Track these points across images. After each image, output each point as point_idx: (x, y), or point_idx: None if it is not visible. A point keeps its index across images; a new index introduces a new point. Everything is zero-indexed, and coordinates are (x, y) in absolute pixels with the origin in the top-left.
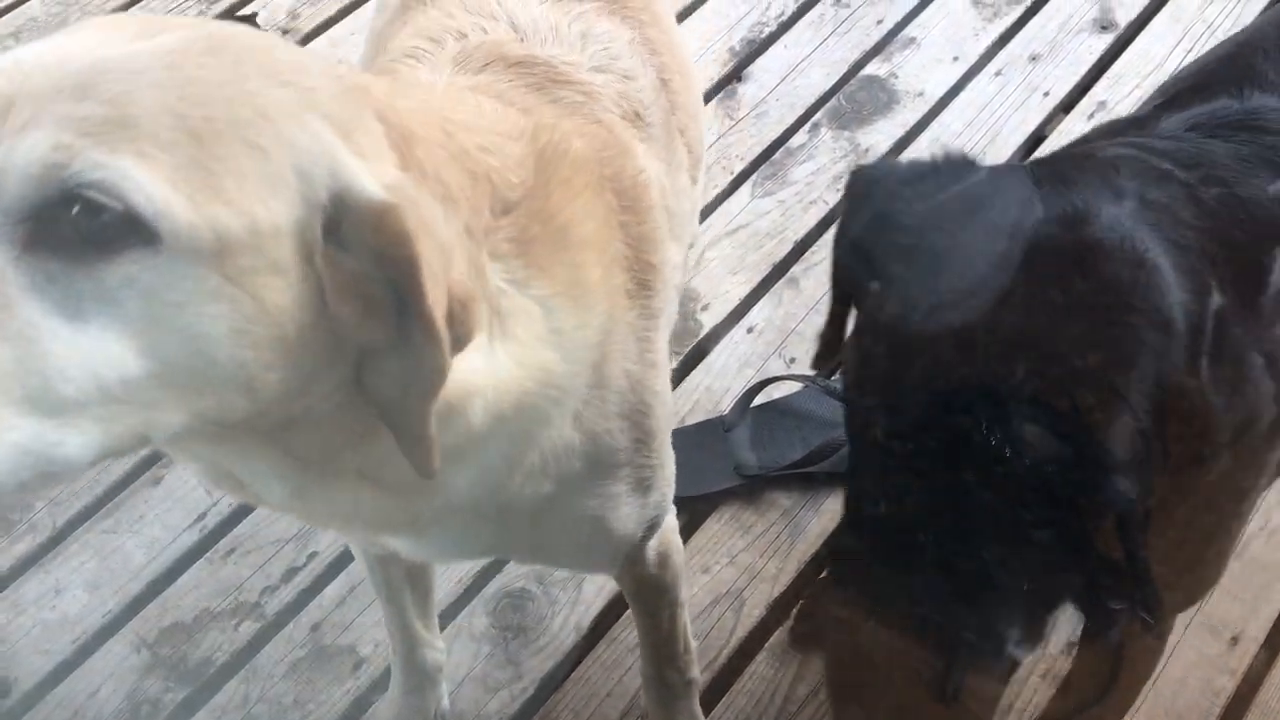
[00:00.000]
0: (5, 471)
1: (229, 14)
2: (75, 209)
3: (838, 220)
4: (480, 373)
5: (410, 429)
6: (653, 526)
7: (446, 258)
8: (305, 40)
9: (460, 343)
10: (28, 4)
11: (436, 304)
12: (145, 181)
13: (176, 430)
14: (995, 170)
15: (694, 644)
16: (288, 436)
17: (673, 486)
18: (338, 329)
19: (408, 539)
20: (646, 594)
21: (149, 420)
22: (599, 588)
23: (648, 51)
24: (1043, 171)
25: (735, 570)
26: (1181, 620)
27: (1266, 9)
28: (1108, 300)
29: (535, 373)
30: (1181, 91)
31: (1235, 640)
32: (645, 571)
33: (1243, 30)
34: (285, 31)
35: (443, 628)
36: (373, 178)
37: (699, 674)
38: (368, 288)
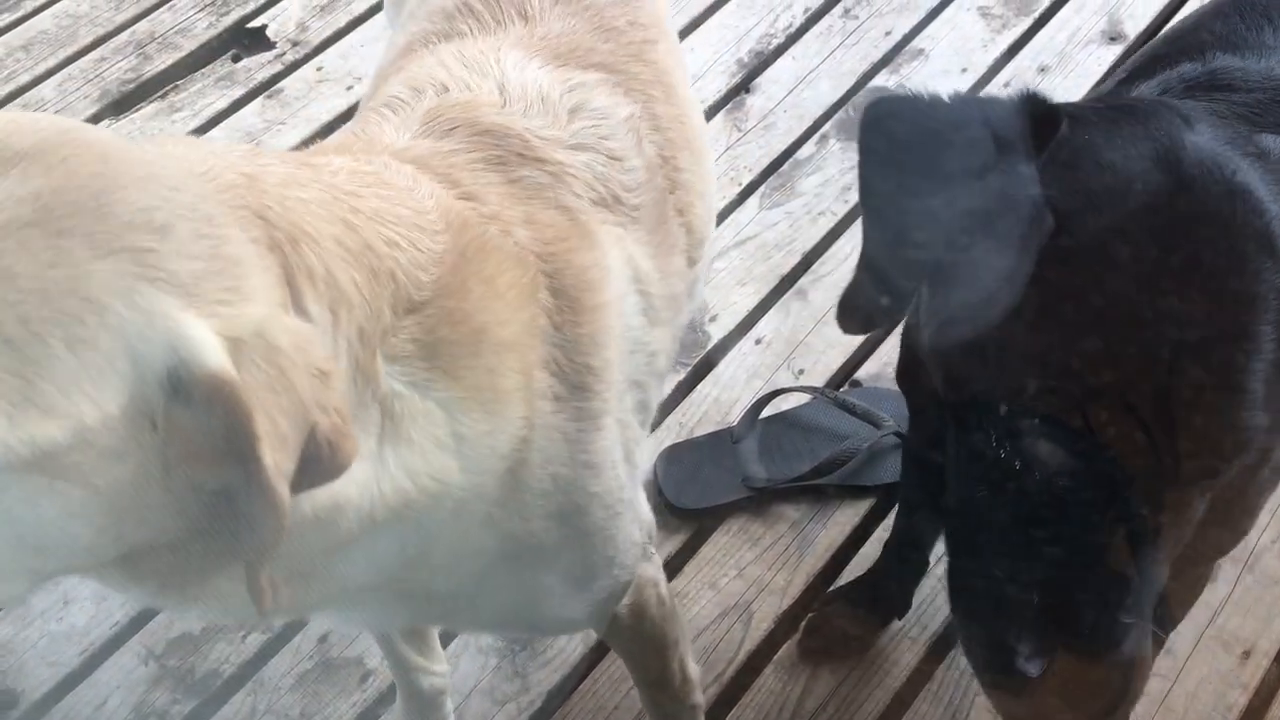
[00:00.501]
0: None
1: (238, 26)
2: None
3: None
4: (356, 484)
5: (248, 571)
6: (609, 598)
7: (314, 395)
8: (315, 52)
9: (329, 475)
10: (38, 17)
11: (276, 471)
12: None
13: (23, 591)
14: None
15: (695, 670)
16: (138, 563)
17: (634, 558)
18: (188, 476)
19: (333, 615)
20: (625, 644)
21: None
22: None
23: (650, 128)
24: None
25: (743, 583)
26: (1193, 635)
27: None
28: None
29: (424, 481)
30: (1144, 64)
31: (1247, 654)
32: (620, 626)
33: (1204, 4)
34: (295, 43)
35: (450, 640)
36: (214, 341)
37: (702, 699)
38: (212, 443)
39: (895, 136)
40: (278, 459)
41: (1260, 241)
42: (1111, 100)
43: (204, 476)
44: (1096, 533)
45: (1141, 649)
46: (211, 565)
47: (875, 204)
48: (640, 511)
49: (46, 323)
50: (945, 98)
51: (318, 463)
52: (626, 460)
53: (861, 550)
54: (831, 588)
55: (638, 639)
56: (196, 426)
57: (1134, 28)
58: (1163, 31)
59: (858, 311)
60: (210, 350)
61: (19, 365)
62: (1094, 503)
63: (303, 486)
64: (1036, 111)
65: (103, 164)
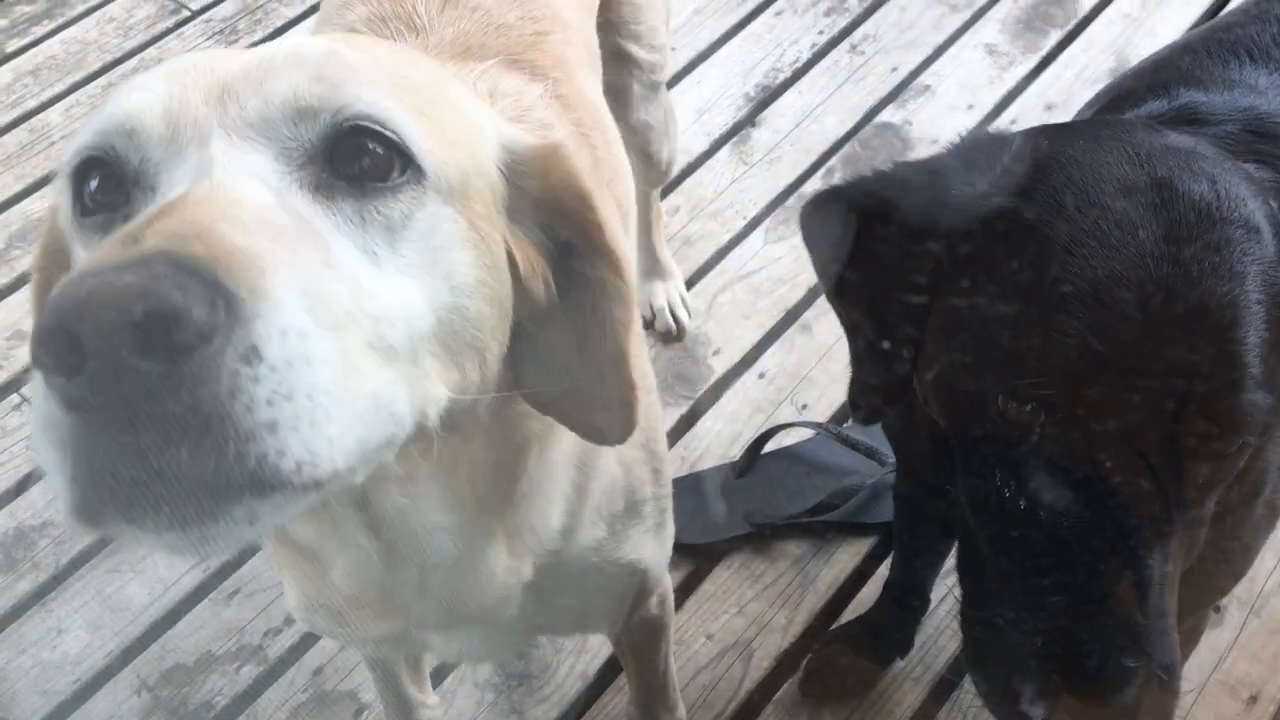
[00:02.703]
0: (377, 427)
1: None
2: (351, 144)
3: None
4: None
5: (604, 382)
6: (662, 569)
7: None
8: None
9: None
10: (47, 43)
11: (614, 234)
12: (405, 116)
13: (436, 415)
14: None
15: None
16: (455, 471)
17: (671, 537)
18: (513, 291)
19: (472, 630)
20: (645, 637)
21: (425, 393)
22: (604, 637)
23: (561, 106)
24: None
25: (744, 620)
26: (1199, 679)
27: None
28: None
29: None
30: (1110, 101)
31: (1254, 700)
32: (648, 614)
33: (1169, 44)
34: None
35: (447, 675)
36: (526, 137)
37: (685, 713)
38: (537, 237)
39: (833, 227)
40: (612, 224)
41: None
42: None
43: (529, 280)
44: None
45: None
46: (513, 457)
47: (840, 296)
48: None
49: (426, 84)
50: (871, 174)
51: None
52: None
53: (864, 589)
54: (833, 627)
55: (658, 628)
56: (525, 218)
57: None
58: (1130, 68)
59: (865, 403)
60: (523, 134)
61: (423, 106)
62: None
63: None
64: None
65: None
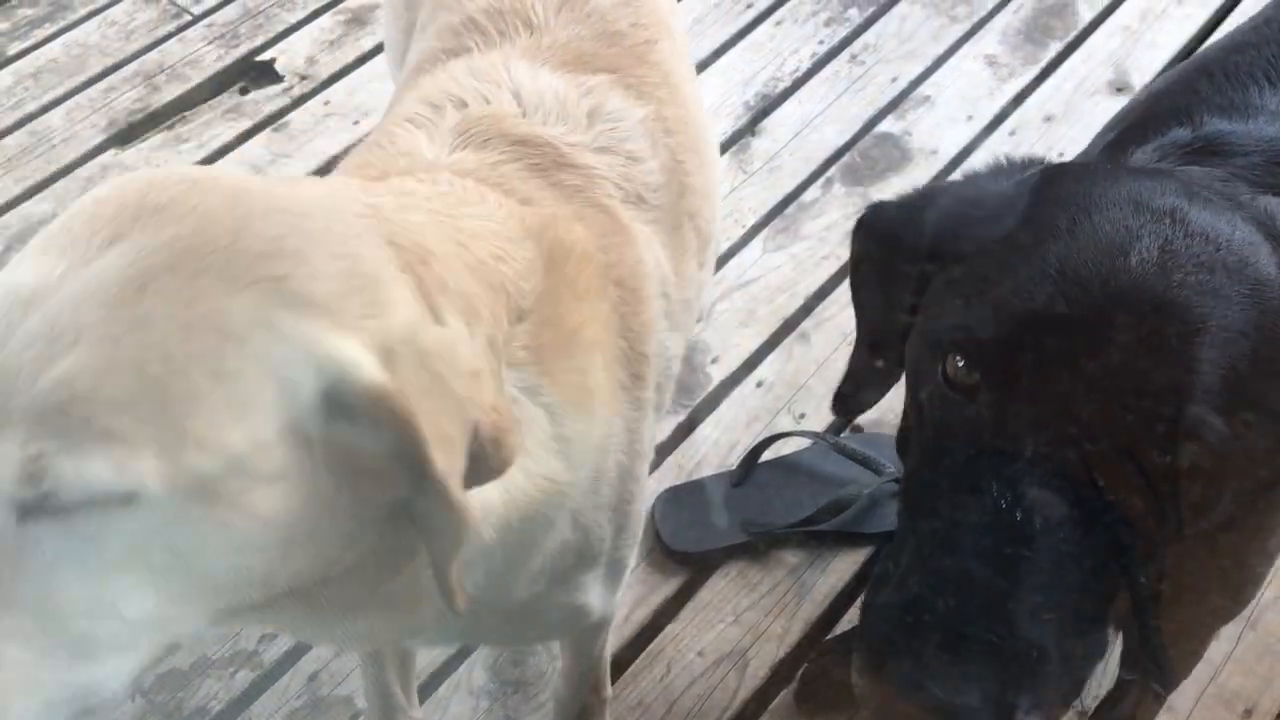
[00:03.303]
0: None
1: (247, 59)
2: (55, 501)
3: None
4: (492, 489)
5: (437, 576)
6: (618, 587)
7: (470, 394)
8: (323, 86)
9: (495, 473)
10: (48, 46)
11: (449, 473)
12: (109, 466)
13: (202, 628)
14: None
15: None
16: (321, 591)
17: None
18: (357, 496)
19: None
20: (582, 639)
21: (174, 632)
22: None
23: (661, 130)
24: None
25: (740, 629)
26: (1195, 694)
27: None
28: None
29: (541, 483)
30: (1133, 125)
31: (1249, 713)
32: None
33: (1186, 61)
34: (303, 77)
35: (441, 682)
36: (364, 355)
37: (611, 693)
38: (379, 457)
39: (877, 235)
40: (448, 460)
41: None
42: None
43: (375, 493)
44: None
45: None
46: (388, 583)
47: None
48: None
49: (189, 359)
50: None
51: (483, 461)
52: (650, 451)
53: (860, 598)
54: (829, 636)
55: (596, 630)
56: (361, 442)
57: (1140, 78)
58: (1148, 88)
59: (849, 400)
60: (362, 364)
61: (168, 403)
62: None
63: (470, 485)
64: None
65: (233, 204)
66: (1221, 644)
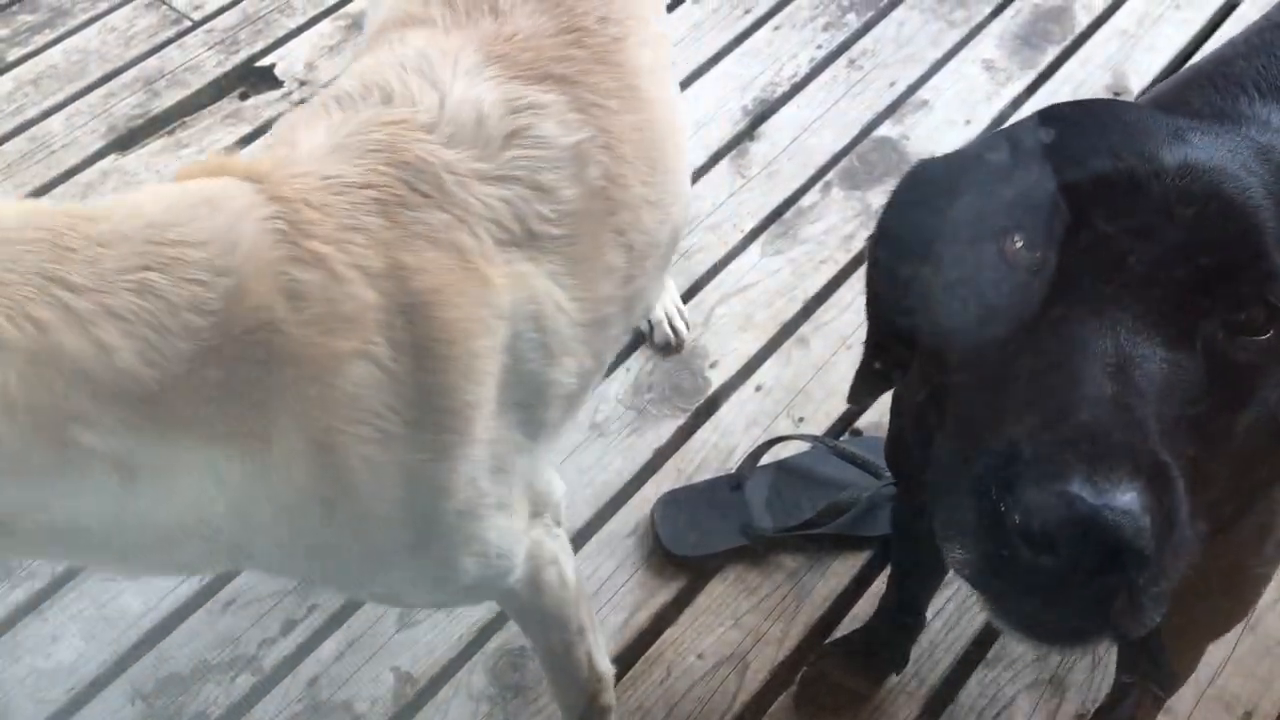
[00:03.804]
0: None
1: (247, 65)
2: None
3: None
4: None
5: None
6: (484, 583)
7: None
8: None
9: None
10: (48, 52)
11: None
12: None
13: None
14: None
15: (607, 669)
16: None
17: (509, 546)
18: None
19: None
20: (523, 619)
21: None
22: None
23: (599, 148)
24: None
25: (740, 633)
26: (1194, 696)
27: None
28: None
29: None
30: None
31: (1249, 716)
32: (517, 601)
33: (1179, 73)
34: (302, 83)
35: (441, 685)
36: None
37: (613, 700)
38: None
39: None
40: None
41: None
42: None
43: None
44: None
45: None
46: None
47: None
48: (513, 511)
49: None
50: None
51: None
52: (497, 471)
53: (859, 602)
54: (829, 640)
55: (535, 615)
56: None
57: (1138, 82)
58: (1146, 94)
59: (864, 395)
60: None
61: None
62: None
63: None
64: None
65: None
66: (1221, 646)
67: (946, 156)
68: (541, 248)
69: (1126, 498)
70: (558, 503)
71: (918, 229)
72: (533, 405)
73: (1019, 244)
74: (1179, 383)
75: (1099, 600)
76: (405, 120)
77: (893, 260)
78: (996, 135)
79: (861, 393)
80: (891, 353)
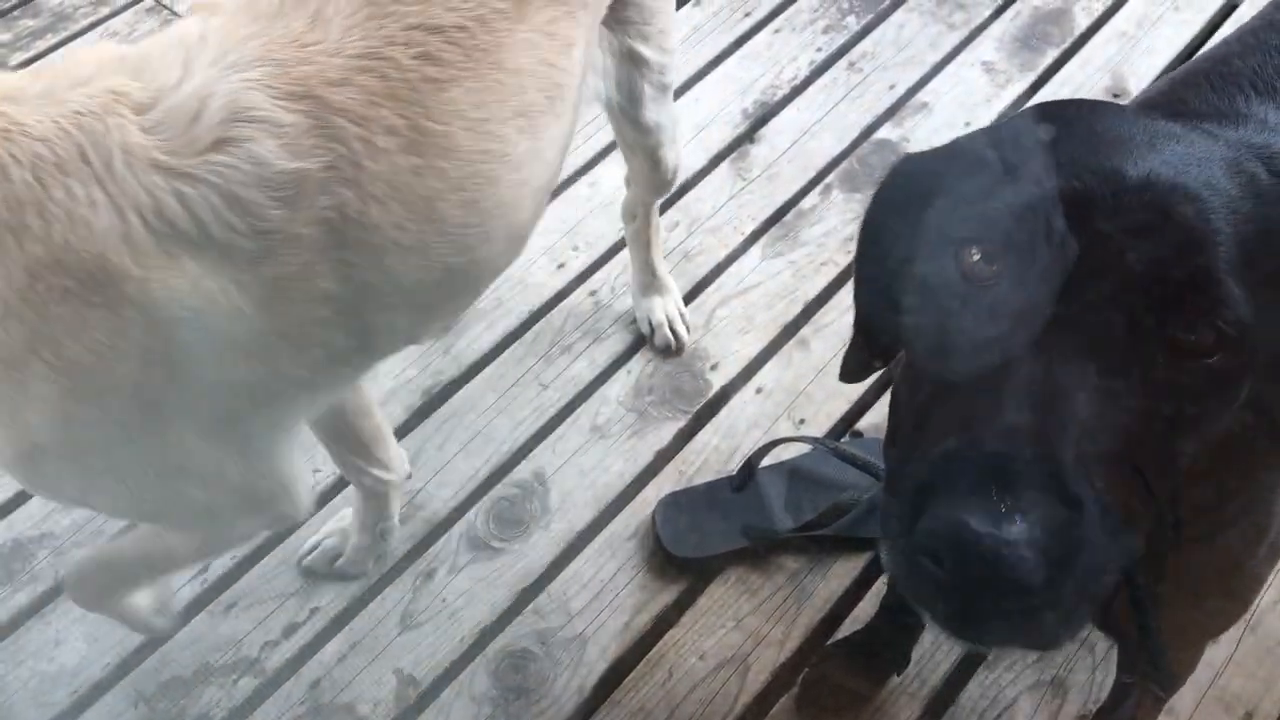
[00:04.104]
0: None
1: None
2: None
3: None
4: None
5: None
6: (221, 523)
7: None
8: None
9: None
10: (49, 57)
11: None
12: None
13: None
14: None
15: (399, 453)
16: None
17: (225, 507)
18: None
19: None
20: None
21: None
22: (602, 649)
23: (340, 180)
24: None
25: (741, 634)
26: (1195, 696)
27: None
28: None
29: None
30: None
31: (1249, 716)
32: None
33: (1175, 71)
34: None
35: (443, 687)
36: None
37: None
38: None
39: (900, 193)
40: None
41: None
42: None
43: None
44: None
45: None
46: None
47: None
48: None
49: None
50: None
51: None
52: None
53: (860, 603)
54: (830, 641)
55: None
56: None
57: (1137, 84)
58: (1141, 93)
59: (856, 374)
60: None
61: None
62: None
63: None
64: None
65: None
66: (1222, 647)
67: (932, 152)
68: (225, 254)
69: (1015, 529)
70: (287, 505)
71: (896, 224)
72: (207, 397)
73: (976, 257)
74: (1114, 411)
75: (1002, 615)
76: (125, 93)
77: (873, 252)
78: (980, 133)
79: (852, 372)
80: (878, 340)
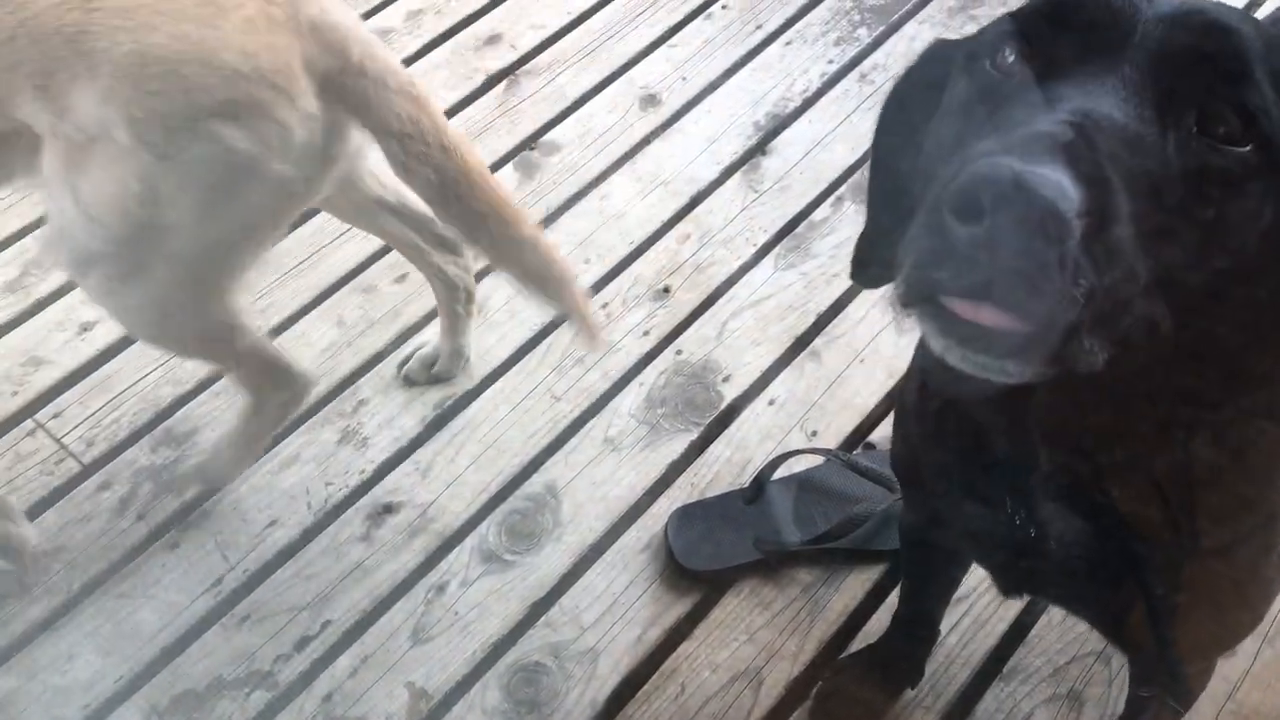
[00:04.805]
0: None
1: None
2: None
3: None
4: None
5: None
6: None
7: None
8: None
9: None
10: None
11: None
12: None
13: None
14: None
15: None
16: None
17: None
18: None
19: None
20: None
21: None
22: (615, 662)
23: None
24: None
25: (754, 648)
26: (1213, 710)
27: None
28: None
29: None
30: None
31: None
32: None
33: None
34: None
35: (454, 701)
36: None
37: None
38: None
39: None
40: None
41: None
42: None
43: None
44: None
45: None
46: None
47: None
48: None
49: None
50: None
51: None
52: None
53: (874, 616)
54: (843, 655)
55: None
56: None
57: None
58: None
59: (869, 266)
60: None
61: None
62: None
63: None
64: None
65: None
66: (1239, 660)
67: (963, 39)
68: None
69: (1052, 171)
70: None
71: (924, 97)
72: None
73: (1010, 57)
74: (1142, 161)
75: (1027, 285)
76: None
77: (898, 124)
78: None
79: (861, 272)
80: (888, 235)
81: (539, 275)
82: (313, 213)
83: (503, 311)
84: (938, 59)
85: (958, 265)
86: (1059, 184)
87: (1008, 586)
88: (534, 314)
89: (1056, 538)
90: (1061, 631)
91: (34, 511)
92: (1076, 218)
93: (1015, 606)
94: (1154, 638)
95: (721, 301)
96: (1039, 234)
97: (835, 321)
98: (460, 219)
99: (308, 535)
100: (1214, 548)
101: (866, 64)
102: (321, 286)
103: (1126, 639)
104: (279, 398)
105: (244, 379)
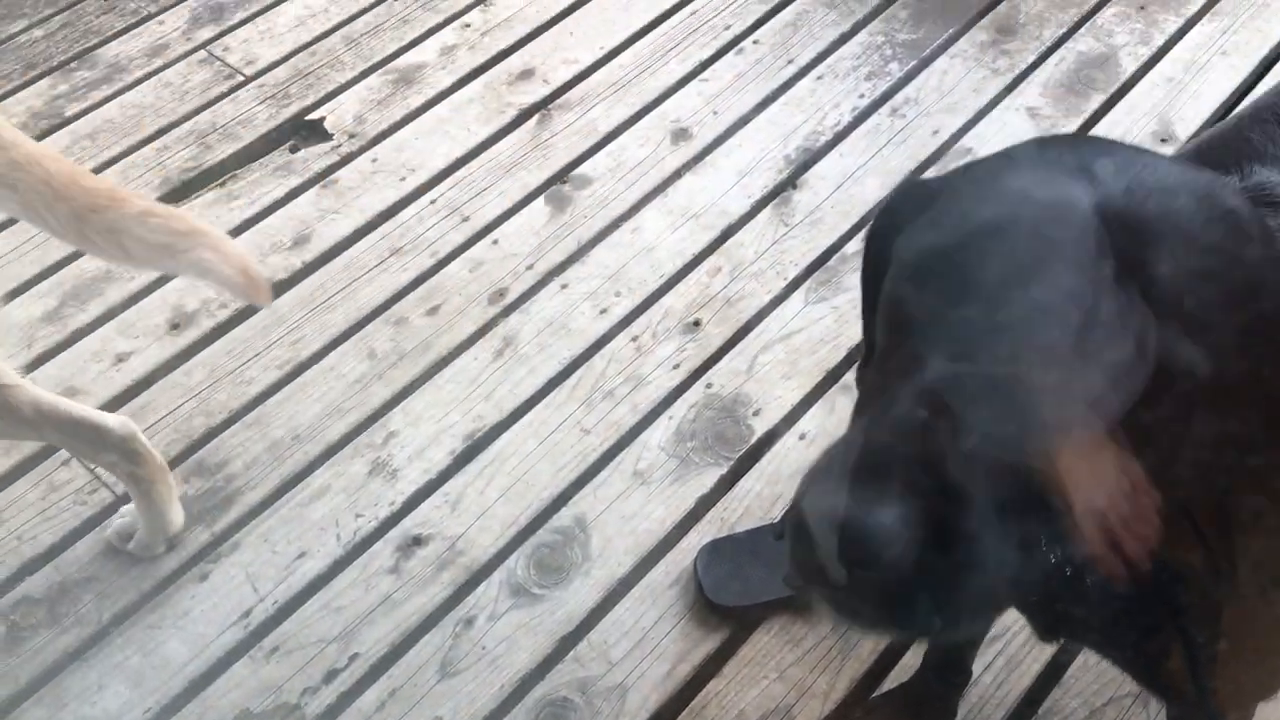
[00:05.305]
0: None
1: (298, 118)
2: None
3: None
4: None
5: None
6: None
7: None
8: (371, 144)
9: None
10: (105, 107)
11: None
12: None
13: None
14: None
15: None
16: None
17: None
18: None
19: None
20: None
21: None
22: (643, 699)
23: None
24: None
25: (784, 685)
26: None
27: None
28: None
29: None
30: None
31: None
32: None
33: (1241, 107)
34: (351, 135)
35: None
36: None
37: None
38: None
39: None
40: None
41: None
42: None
43: None
44: (1150, 649)
45: None
46: None
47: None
48: None
49: None
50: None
51: None
52: None
53: (906, 655)
54: (875, 694)
55: None
56: None
57: (1185, 129)
58: (1202, 135)
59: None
60: None
61: None
62: (1149, 618)
63: None
64: None
65: None
66: (1276, 705)
67: (935, 180)
68: None
69: (876, 512)
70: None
71: (886, 241)
72: None
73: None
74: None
75: (874, 596)
76: None
77: (870, 265)
78: (977, 164)
79: (864, 382)
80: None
81: (168, 241)
82: (345, 246)
83: (531, 345)
84: (911, 198)
85: (820, 567)
86: (879, 527)
87: (1044, 630)
88: (562, 347)
89: (1094, 581)
90: (1098, 673)
91: (66, 542)
92: (903, 541)
93: (1050, 648)
94: (1193, 685)
95: (752, 335)
96: (872, 561)
97: None
98: (64, 225)
99: (337, 567)
100: (1254, 592)
101: (898, 98)
102: (352, 320)
103: (1165, 685)
104: (107, 459)
105: (73, 450)
